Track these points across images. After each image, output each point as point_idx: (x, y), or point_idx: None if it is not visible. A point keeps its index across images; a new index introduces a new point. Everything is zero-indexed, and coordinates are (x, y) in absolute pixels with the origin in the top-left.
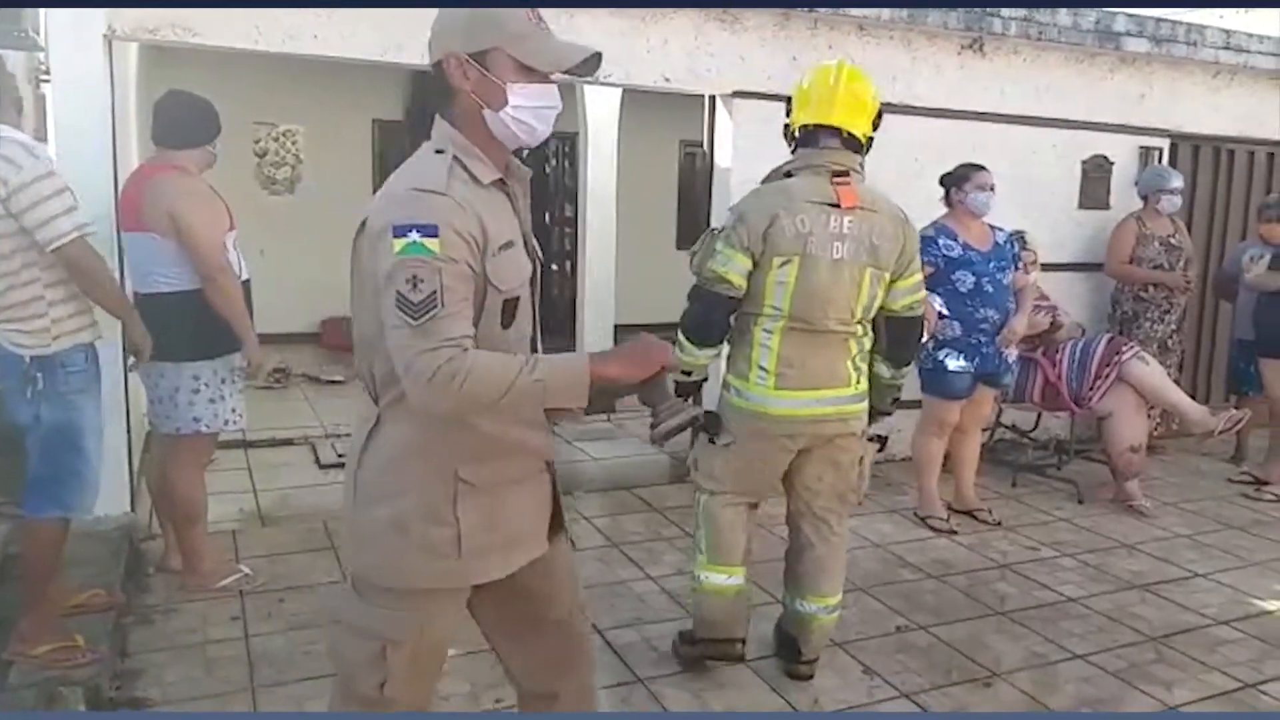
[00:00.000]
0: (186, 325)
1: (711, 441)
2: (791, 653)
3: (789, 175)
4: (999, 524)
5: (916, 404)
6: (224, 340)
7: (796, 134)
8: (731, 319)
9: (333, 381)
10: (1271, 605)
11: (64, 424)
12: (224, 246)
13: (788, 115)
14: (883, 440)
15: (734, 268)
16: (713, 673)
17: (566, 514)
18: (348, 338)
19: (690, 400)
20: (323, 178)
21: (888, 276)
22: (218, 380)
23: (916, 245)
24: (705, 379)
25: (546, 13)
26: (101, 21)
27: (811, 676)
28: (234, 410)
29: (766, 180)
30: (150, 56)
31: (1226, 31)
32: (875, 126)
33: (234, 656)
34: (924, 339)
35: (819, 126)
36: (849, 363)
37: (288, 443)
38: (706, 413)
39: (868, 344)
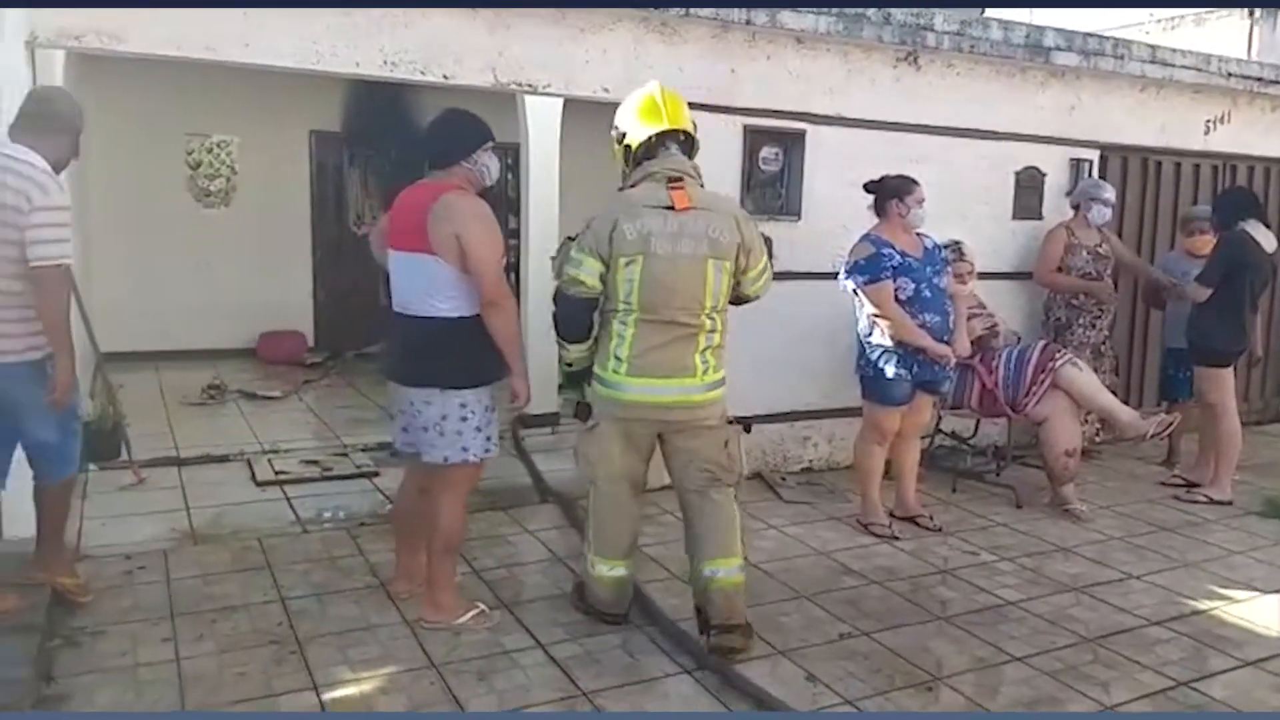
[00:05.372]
0: (460, 352)
1: (587, 426)
2: (704, 623)
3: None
4: (940, 529)
5: (858, 411)
6: (493, 368)
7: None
8: (594, 316)
9: (269, 398)
10: (1203, 605)
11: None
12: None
13: (620, 141)
14: (746, 423)
15: (585, 270)
16: (655, 683)
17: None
18: (286, 352)
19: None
20: (259, 190)
21: (729, 266)
22: (482, 408)
23: (755, 235)
24: (589, 368)
25: (485, 13)
26: (23, 27)
27: (734, 649)
28: (489, 439)
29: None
30: (79, 65)
31: (1152, 47)
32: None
33: (164, 679)
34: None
35: (662, 134)
36: (696, 355)
37: (223, 459)
38: (578, 402)
39: (718, 339)
